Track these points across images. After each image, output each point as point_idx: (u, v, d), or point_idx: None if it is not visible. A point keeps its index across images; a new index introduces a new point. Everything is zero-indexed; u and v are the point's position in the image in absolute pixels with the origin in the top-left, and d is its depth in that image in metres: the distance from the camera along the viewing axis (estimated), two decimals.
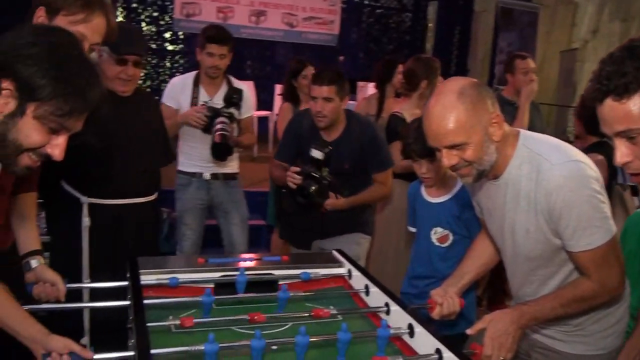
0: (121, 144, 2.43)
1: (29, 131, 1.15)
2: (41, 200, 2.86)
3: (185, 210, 3.28)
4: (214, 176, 3.23)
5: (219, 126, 2.95)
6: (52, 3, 1.62)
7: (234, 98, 3.11)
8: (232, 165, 3.28)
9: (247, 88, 3.31)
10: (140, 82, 9.29)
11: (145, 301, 1.65)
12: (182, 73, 8.86)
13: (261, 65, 8.76)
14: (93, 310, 2.26)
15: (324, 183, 2.59)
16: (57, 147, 1.19)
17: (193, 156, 3.21)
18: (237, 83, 3.28)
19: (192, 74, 3.26)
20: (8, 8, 3.12)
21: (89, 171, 2.39)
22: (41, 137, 1.16)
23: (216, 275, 1.91)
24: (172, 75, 9.11)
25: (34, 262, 1.78)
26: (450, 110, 1.53)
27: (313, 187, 2.56)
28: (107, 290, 1.92)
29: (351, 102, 4.86)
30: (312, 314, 1.69)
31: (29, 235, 1.84)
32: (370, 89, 5.23)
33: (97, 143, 2.32)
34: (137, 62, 2.41)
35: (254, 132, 3.23)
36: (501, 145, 1.59)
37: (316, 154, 2.58)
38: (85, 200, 2.41)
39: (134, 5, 8.27)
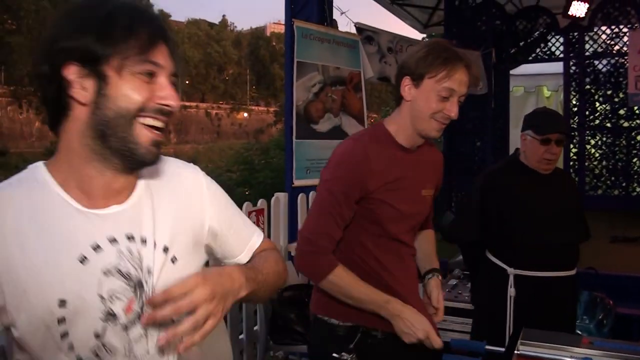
0: (542, 219, 2.61)
1: (124, 91, 1.02)
2: (467, 272, 3.24)
3: None
4: None
5: None
6: (416, 70, 1.79)
7: None
8: None
9: None
10: (597, 165, 8.91)
11: None
12: (638, 151, 8.31)
13: None
14: None
15: None
16: (166, 91, 1.05)
17: None
18: None
19: None
20: None
21: (515, 244, 2.63)
22: (139, 91, 1.03)
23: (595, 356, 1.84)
24: (628, 154, 8.57)
25: (428, 276, 2.03)
26: None
27: None
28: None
29: None
30: None
31: (430, 261, 2.09)
32: None
33: (521, 218, 2.59)
34: (559, 140, 2.55)
35: None
36: None
37: None
38: (511, 271, 2.63)
39: (587, 87, 8.28)
